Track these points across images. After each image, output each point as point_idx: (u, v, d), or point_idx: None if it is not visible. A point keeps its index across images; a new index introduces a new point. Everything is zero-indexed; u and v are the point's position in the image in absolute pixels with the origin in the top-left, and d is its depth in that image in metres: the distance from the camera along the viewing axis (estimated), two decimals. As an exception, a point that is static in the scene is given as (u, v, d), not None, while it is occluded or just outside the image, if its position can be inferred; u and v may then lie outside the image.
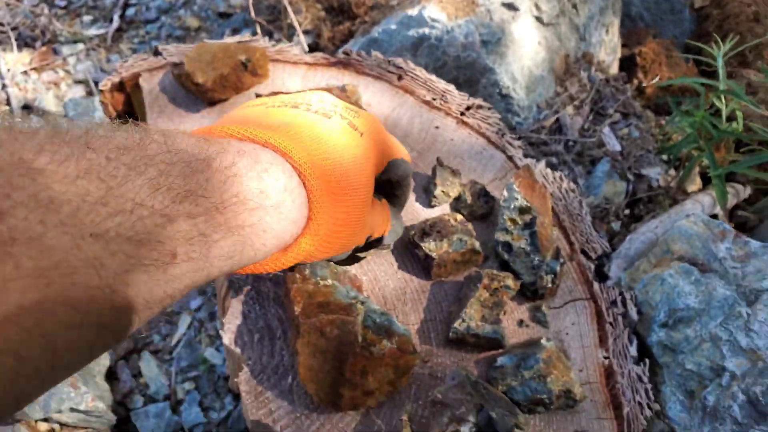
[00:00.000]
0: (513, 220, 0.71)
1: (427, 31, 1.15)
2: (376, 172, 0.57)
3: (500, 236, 0.71)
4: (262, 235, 0.42)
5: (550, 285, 0.69)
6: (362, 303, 0.62)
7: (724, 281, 0.70)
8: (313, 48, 1.59)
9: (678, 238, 0.78)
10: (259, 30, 1.67)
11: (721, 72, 1.28)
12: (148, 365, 1.06)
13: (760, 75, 1.46)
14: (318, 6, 1.61)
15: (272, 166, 0.44)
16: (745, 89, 1.30)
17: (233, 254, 0.39)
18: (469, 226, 0.72)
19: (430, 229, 0.71)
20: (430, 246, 0.69)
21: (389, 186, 0.63)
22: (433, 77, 0.91)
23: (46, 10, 1.95)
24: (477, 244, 0.71)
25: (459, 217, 0.74)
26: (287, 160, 0.45)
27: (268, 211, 0.42)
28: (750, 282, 0.69)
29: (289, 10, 1.54)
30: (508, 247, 0.71)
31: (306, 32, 1.60)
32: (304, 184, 0.46)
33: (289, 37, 1.62)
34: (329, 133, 0.51)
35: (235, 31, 1.85)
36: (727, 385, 0.66)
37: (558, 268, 0.70)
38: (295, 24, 1.54)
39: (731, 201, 1.31)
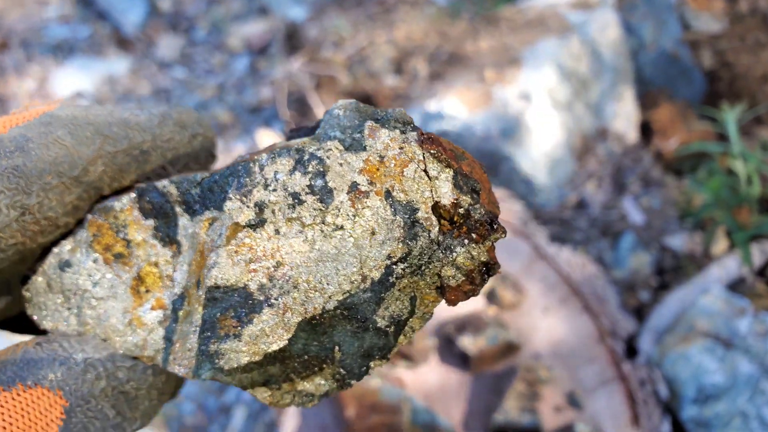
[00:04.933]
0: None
1: (446, 126, 1.23)
2: None
3: None
4: None
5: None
6: (408, 401, 0.67)
7: (748, 357, 0.74)
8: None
9: (700, 314, 0.82)
10: (288, 126, 1.78)
11: (733, 136, 1.33)
12: (206, 456, 1.12)
13: (774, 134, 1.51)
14: (343, 98, 1.73)
15: None
16: (761, 149, 1.35)
17: None
18: (503, 317, 0.78)
19: (465, 324, 0.77)
20: (465, 342, 0.74)
21: None
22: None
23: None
24: (511, 336, 0.76)
25: (492, 309, 0.80)
26: None
27: None
28: (772, 358, 0.73)
29: (317, 106, 1.65)
30: None
31: (335, 124, 1.71)
32: None
33: (320, 129, 1.74)
34: None
35: (266, 123, 1.97)
36: (760, 461, 0.69)
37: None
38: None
39: (761, 260, 1.33)
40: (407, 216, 0.18)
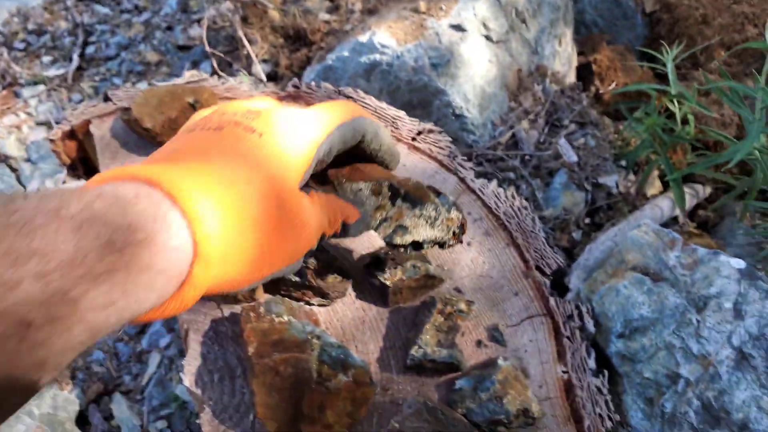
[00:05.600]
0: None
1: (377, 57, 1.16)
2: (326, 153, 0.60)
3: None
4: (142, 273, 0.38)
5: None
6: (318, 338, 0.62)
7: (675, 289, 0.72)
8: (271, 76, 1.60)
9: (631, 248, 0.79)
10: (216, 63, 1.68)
11: (671, 76, 1.31)
12: (120, 407, 1.06)
13: (711, 76, 1.49)
14: (275, 34, 1.62)
15: (139, 198, 0.39)
16: (697, 91, 1.33)
17: (109, 302, 0.35)
18: (423, 250, 0.73)
19: (385, 257, 0.72)
20: (384, 275, 0.69)
21: (368, 155, 0.68)
22: (384, 104, 0.93)
23: (5, 53, 1.94)
24: (431, 269, 0.71)
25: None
26: (157, 188, 0.41)
27: (141, 245, 0.37)
28: (698, 289, 0.70)
29: (245, 41, 1.55)
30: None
31: (264, 61, 1.61)
32: (184, 209, 0.41)
33: (248, 67, 1.63)
34: (215, 150, 0.49)
35: (195, 64, 1.86)
36: (683, 392, 0.67)
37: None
38: (252, 54, 1.56)
39: (691, 202, 1.33)
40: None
